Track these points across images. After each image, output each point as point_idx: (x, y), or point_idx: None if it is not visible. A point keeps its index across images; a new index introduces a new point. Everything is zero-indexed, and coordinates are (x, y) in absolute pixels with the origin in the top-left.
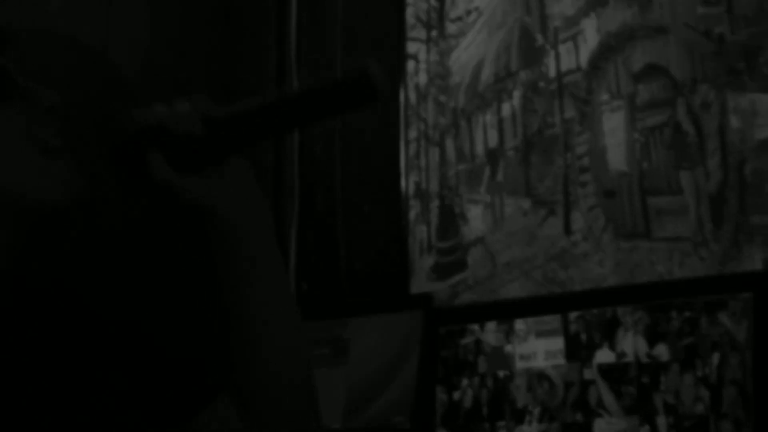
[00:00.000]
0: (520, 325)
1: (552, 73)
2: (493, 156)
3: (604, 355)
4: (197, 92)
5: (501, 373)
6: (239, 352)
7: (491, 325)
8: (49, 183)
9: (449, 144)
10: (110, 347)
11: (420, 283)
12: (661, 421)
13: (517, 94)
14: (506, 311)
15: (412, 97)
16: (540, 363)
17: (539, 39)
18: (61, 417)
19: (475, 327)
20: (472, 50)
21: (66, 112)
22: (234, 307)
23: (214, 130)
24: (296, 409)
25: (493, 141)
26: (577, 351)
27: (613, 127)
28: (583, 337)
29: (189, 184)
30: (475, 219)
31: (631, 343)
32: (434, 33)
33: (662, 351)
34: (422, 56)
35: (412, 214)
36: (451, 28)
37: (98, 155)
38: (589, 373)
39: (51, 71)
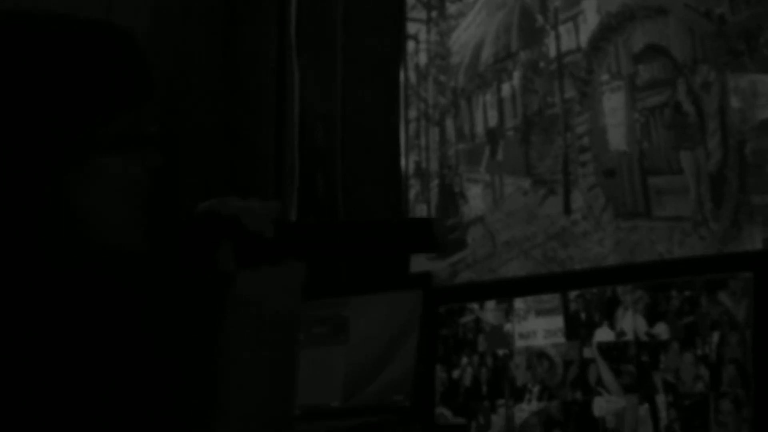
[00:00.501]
0: (519, 303)
1: (552, 53)
2: (493, 136)
3: (603, 334)
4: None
5: (500, 352)
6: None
7: (491, 304)
8: (130, 231)
9: (449, 124)
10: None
11: (420, 261)
12: (661, 399)
13: (517, 75)
14: (506, 290)
15: (413, 77)
16: (539, 341)
17: (539, 19)
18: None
19: (475, 306)
20: (473, 30)
21: (157, 174)
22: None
23: (281, 235)
24: None
25: (493, 121)
26: (576, 330)
27: (614, 107)
28: (583, 315)
29: (247, 276)
30: (475, 198)
31: (631, 322)
32: (434, 13)
33: (662, 330)
34: (422, 36)
35: (412, 193)
36: (451, 8)
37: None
38: (588, 352)
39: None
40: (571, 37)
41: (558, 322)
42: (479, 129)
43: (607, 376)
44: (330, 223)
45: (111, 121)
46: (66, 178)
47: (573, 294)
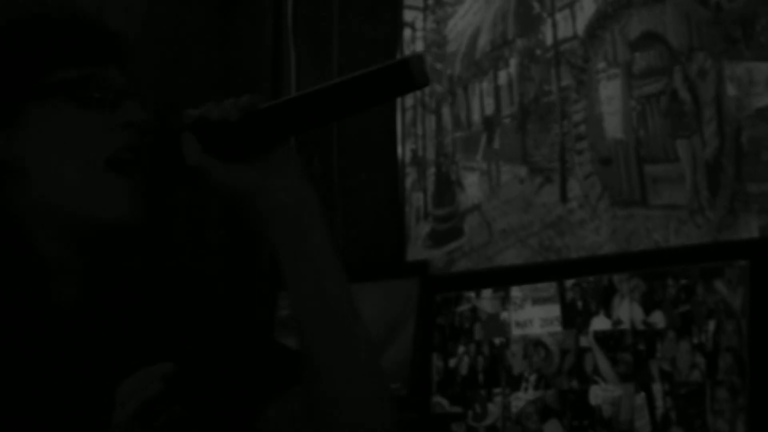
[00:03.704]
0: (516, 292)
1: (549, 41)
2: (490, 124)
3: (600, 323)
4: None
5: (497, 341)
6: (307, 331)
7: (487, 293)
8: (110, 200)
9: (446, 111)
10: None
11: (416, 250)
12: (657, 388)
13: (513, 62)
14: (502, 278)
15: None
16: (536, 330)
17: (536, 6)
18: None
19: (471, 294)
20: (469, 18)
21: (146, 128)
22: (293, 285)
23: (249, 117)
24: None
25: (489, 109)
26: (573, 318)
27: (610, 95)
28: (579, 304)
29: (227, 168)
30: (472, 186)
31: (627, 311)
32: (431, 1)
33: (658, 318)
34: (419, 24)
35: (409, 181)
36: None
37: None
38: (585, 341)
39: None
40: (567, 25)
41: (554, 310)
42: (476, 117)
43: (604, 365)
44: (301, 94)
45: (45, 75)
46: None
47: (569, 282)
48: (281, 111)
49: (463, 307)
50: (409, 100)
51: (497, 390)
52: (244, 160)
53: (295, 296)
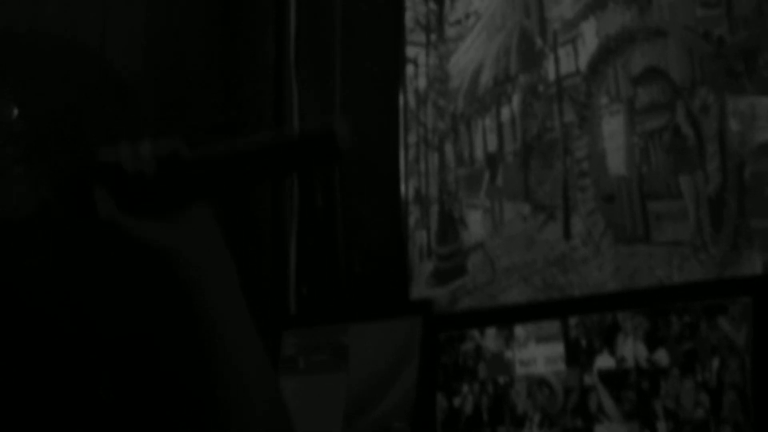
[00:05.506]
0: (519, 330)
1: (551, 76)
2: (493, 160)
3: (604, 361)
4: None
5: (501, 379)
6: (212, 392)
7: (491, 331)
8: None
9: (448, 148)
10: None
11: (420, 288)
12: (662, 426)
13: (516, 98)
14: (506, 317)
15: (412, 101)
16: (540, 369)
17: (538, 42)
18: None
19: (475, 333)
20: (472, 54)
21: (27, 125)
22: (204, 352)
23: (168, 173)
24: None
25: (492, 145)
26: (577, 356)
27: (613, 131)
28: (583, 342)
29: (142, 225)
30: (475, 224)
31: (631, 349)
32: (433, 37)
33: (662, 356)
34: (421, 60)
35: (412, 219)
36: (450, 31)
37: (55, 174)
38: (589, 379)
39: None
40: (570, 60)
41: (558, 348)
42: (478, 154)
43: (608, 403)
44: (222, 150)
45: None
46: None
47: (573, 320)
48: (202, 167)
49: (467, 346)
50: (412, 136)
51: (501, 429)
52: (157, 216)
53: (203, 364)
